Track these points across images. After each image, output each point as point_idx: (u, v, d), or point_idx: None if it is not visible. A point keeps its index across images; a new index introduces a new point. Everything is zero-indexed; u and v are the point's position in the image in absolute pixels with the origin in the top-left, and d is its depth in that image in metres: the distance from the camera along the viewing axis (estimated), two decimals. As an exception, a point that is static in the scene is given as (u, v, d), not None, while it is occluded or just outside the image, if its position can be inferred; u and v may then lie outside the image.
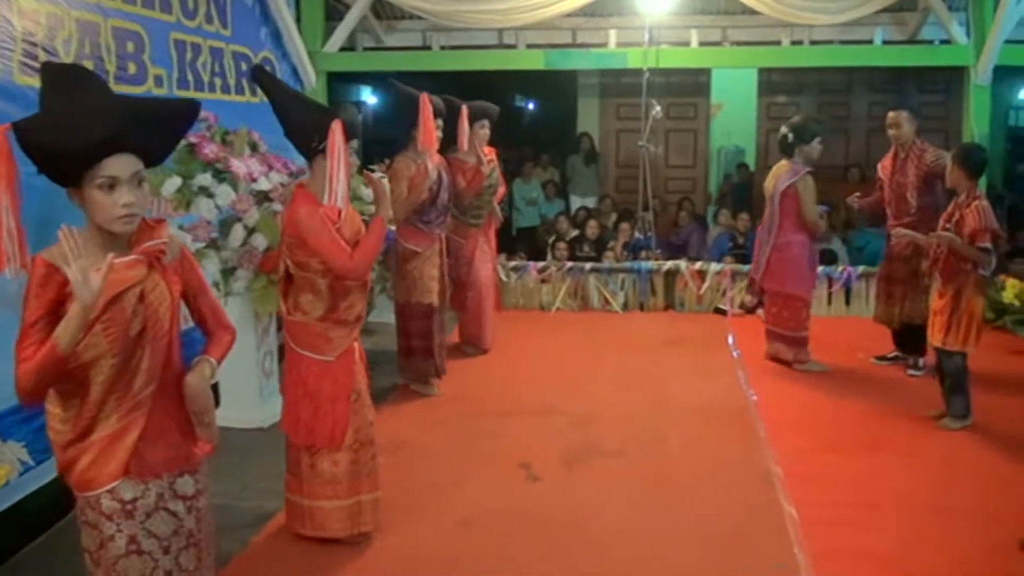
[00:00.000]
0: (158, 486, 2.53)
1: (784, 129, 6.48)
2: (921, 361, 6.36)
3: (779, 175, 6.45)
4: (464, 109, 6.16)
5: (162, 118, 2.50)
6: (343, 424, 3.74)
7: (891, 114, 6.30)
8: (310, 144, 3.59)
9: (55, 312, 2.29)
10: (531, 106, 18.24)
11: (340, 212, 3.62)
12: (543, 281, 8.54)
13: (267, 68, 4.31)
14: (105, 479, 2.44)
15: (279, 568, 3.76)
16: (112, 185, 2.31)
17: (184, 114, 2.56)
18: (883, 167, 6.41)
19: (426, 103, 5.48)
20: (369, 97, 15.46)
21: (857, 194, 6.77)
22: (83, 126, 2.27)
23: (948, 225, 5.09)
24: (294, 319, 3.72)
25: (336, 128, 3.46)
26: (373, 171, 5.76)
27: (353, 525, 3.83)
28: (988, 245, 4.95)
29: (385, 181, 6.14)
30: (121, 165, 2.32)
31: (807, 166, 6.38)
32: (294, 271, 3.68)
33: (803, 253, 6.43)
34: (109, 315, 2.35)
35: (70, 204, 2.38)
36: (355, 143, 3.75)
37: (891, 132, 6.29)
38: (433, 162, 5.71)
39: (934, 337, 5.25)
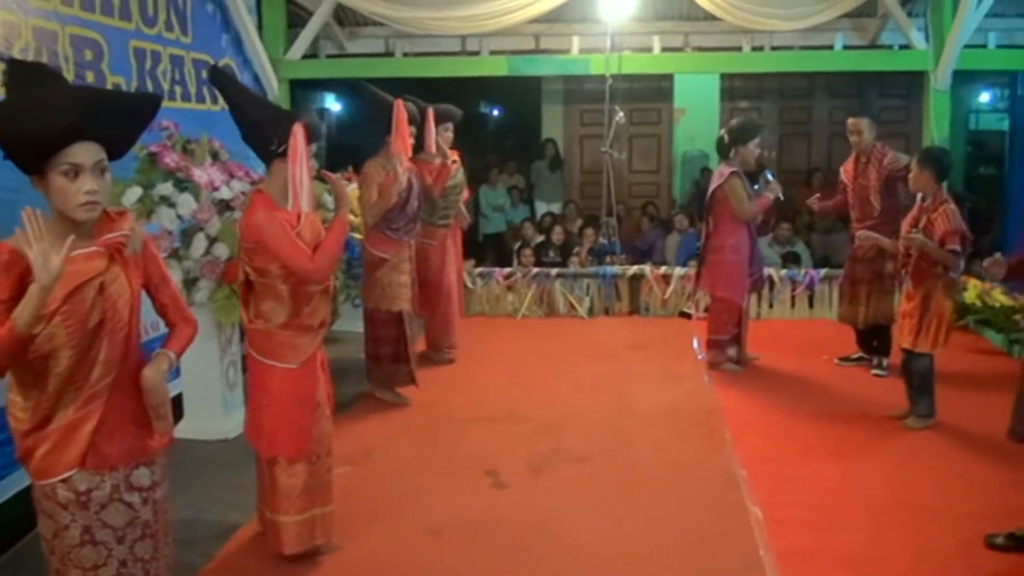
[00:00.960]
0: (114, 478, 2.56)
1: (722, 131, 6.55)
2: (885, 361, 6.44)
3: (713, 179, 6.54)
4: (430, 112, 6.16)
5: (125, 108, 2.55)
6: (307, 433, 3.68)
7: (851, 120, 6.37)
8: (268, 147, 3.54)
9: (18, 298, 2.32)
10: (496, 112, 18.24)
11: (299, 216, 3.58)
12: (509, 288, 8.54)
13: (223, 69, 4.32)
14: (61, 468, 2.48)
15: (243, 579, 3.73)
16: (75, 172, 2.36)
17: (146, 105, 2.62)
18: (845, 171, 6.49)
19: (401, 110, 5.48)
20: (333, 104, 15.39)
21: (817, 196, 6.84)
22: (48, 113, 2.32)
23: (915, 229, 5.13)
24: (256, 327, 3.66)
25: (298, 130, 3.45)
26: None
27: (306, 540, 3.77)
28: (958, 248, 5.00)
29: (354, 186, 6.14)
30: (85, 153, 2.37)
31: (743, 167, 6.42)
32: (254, 278, 3.63)
33: (737, 258, 6.47)
34: (68, 306, 2.39)
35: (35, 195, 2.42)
36: (314, 147, 3.73)
37: (852, 139, 6.37)
38: (403, 168, 5.68)
39: (903, 339, 5.31)
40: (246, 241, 3.58)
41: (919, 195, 5.22)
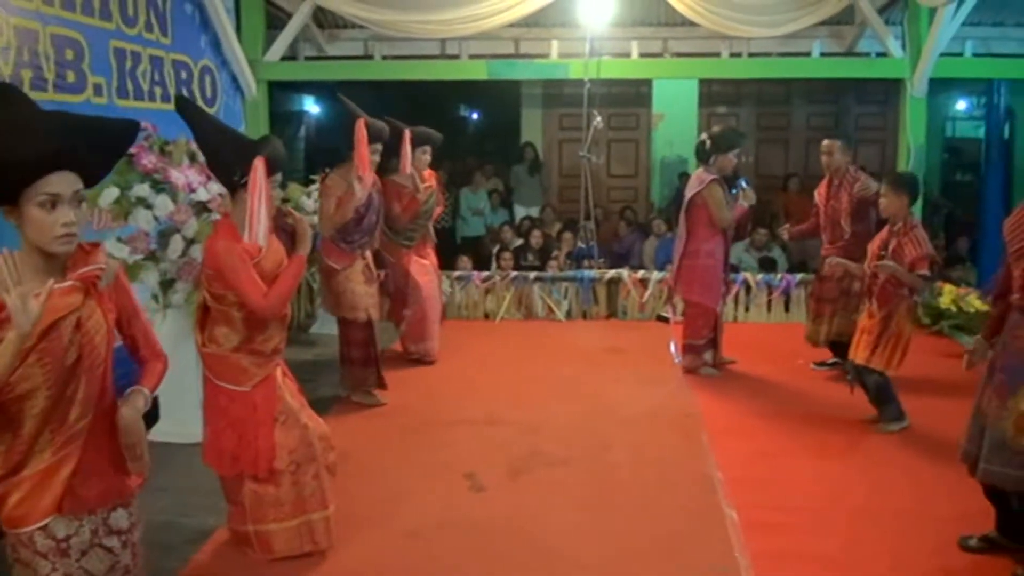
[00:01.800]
0: (92, 522, 2.48)
1: (703, 136, 6.57)
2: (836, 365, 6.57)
3: (691, 184, 6.56)
4: (407, 134, 6.18)
5: (104, 136, 2.45)
6: (268, 452, 3.65)
7: (825, 142, 6.42)
8: (232, 178, 3.55)
9: None
10: (476, 116, 18.26)
11: (260, 248, 3.58)
12: (487, 291, 8.55)
13: (189, 98, 4.27)
14: (38, 515, 2.38)
15: (220, 583, 3.72)
16: (53, 203, 2.25)
17: (125, 133, 2.52)
18: (819, 193, 6.54)
19: (361, 130, 5.48)
20: (312, 106, 15.37)
21: (787, 226, 6.97)
22: (25, 140, 2.22)
23: (883, 252, 5.19)
24: (208, 351, 3.64)
25: (258, 164, 3.46)
26: (313, 180, 5.74)
27: (303, 544, 3.77)
28: (927, 272, 5.09)
29: (316, 195, 6.14)
30: (63, 182, 2.26)
31: (720, 174, 6.45)
32: (211, 303, 3.60)
33: (712, 262, 6.51)
34: (45, 344, 2.28)
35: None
36: (279, 177, 3.71)
37: (824, 159, 6.42)
38: (364, 185, 5.66)
39: (858, 354, 5.35)
40: (206, 267, 3.58)
41: (889, 219, 5.28)
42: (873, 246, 5.34)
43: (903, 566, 3.81)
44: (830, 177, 6.43)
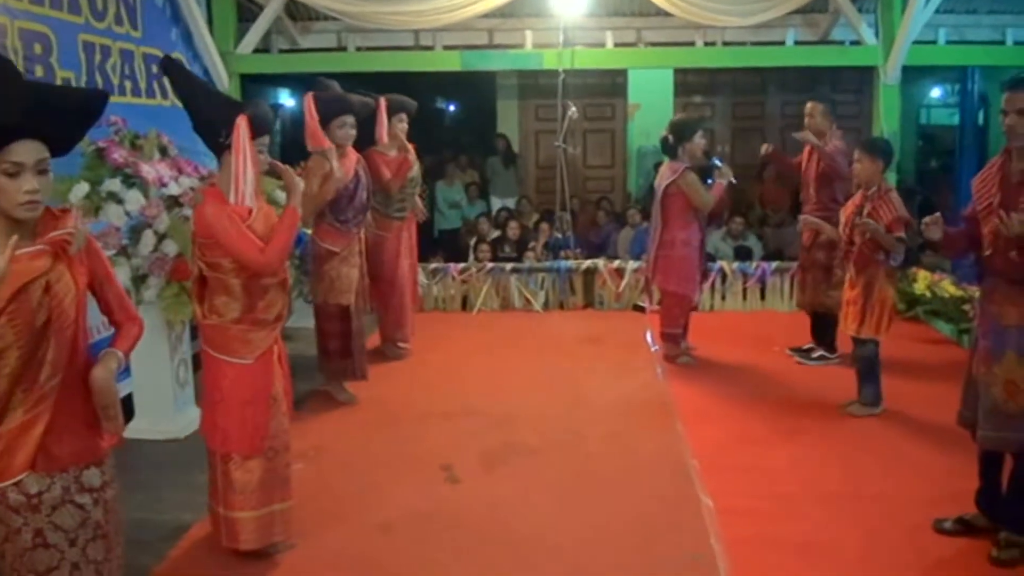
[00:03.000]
0: (64, 479, 2.52)
1: (664, 132, 6.62)
2: (816, 352, 6.62)
3: (663, 175, 6.58)
4: (381, 101, 6.13)
5: (71, 106, 2.49)
6: (262, 429, 3.64)
7: (808, 105, 6.52)
8: (217, 139, 3.52)
9: None
10: (452, 108, 18.20)
11: (250, 209, 3.56)
12: (464, 282, 8.55)
13: (175, 60, 4.26)
14: (12, 471, 2.44)
15: (195, 579, 3.70)
16: (16, 172, 2.32)
17: (93, 102, 2.56)
18: (802, 156, 6.63)
19: (309, 102, 5.43)
20: (287, 100, 15.25)
21: (767, 145, 7.06)
22: None
23: (858, 217, 5.20)
24: (209, 322, 3.61)
25: (240, 123, 3.43)
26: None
27: (263, 536, 3.75)
28: (903, 235, 5.12)
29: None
30: (27, 151, 2.33)
31: (693, 161, 6.49)
32: (207, 273, 3.59)
33: (688, 251, 6.53)
34: (14, 306, 2.36)
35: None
36: (266, 139, 3.66)
37: (806, 120, 6.52)
38: (349, 161, 5.63)
39: (848, 326, 5.39)
40: (198, 236, 3.55)
41: (863, 184, 5.31)
42: (847, 211, 5.36)
43: (877, 550, 3.84)
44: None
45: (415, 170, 6.69)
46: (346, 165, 5.65)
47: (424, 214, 7.13)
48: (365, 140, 6.04)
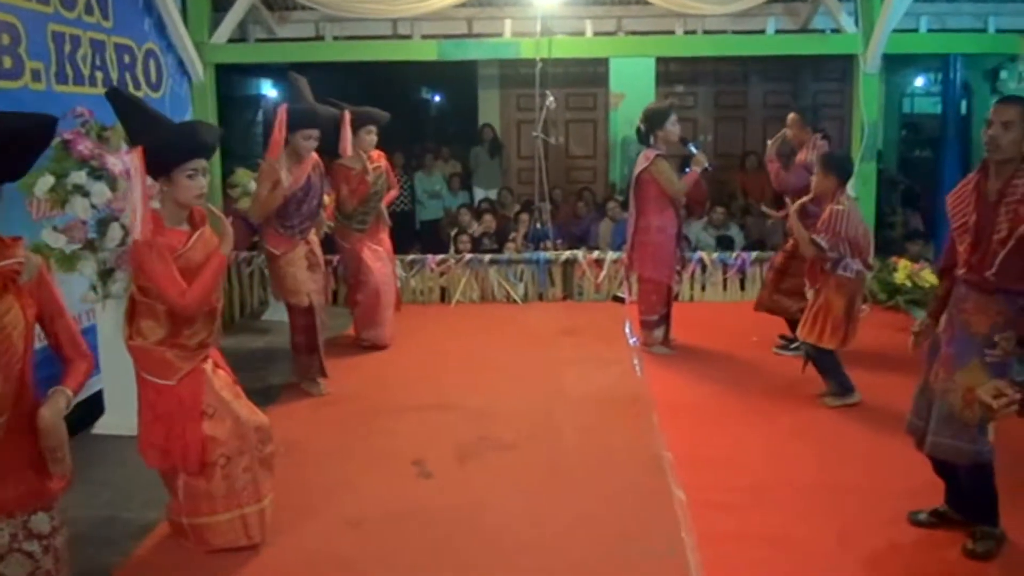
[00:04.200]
0: (11, 526, 2.43)
1: (637, 122, 6.64)
2: (795, 343, 6.55)
3: (638, 163, 6.61)
4: (346, 115, 6.10)
5: (18, 136, 2.37)
6: (196, 445, 3.58)
7: (789, 115, 6.57)
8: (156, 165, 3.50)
9: None
10: (436, 98, 18.11)
11: (189, 235, 3.52)
12: (442, 274, 8.49)
13: (120, 88, 4.15)
14: None
15: (159, 576, 3.65)
16: None
17: (42, 130, 2.45)
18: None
19: (281, 114, 5.42)
20: (270, 90, 15.14)
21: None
22: None
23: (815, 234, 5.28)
24: (134, 344, 3.57)
25: (135, 154, 3.39)
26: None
27: (238, 537, 3.72)
28: (822, 242, 5.17)
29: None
30: None
31: (669, 148, 6.53)
32: (137, 296, 3.55)
33: (663, 238, 6.55)
34: None
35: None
36: (199, 163, 3.54)
37: (786, 131, 6.59)
38: (304, 167, 5.64)
39: (803, 332, 5.45)
40: (131, 260, 3.54)
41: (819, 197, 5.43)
42: (791, 222, 5.50)
43: (851, 542, 3.82)
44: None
45: (379, 183, 6.66)
46: (300, 171, 5.65)
47: (388, 224, 7.05)
48: (332, 151, 6.02)
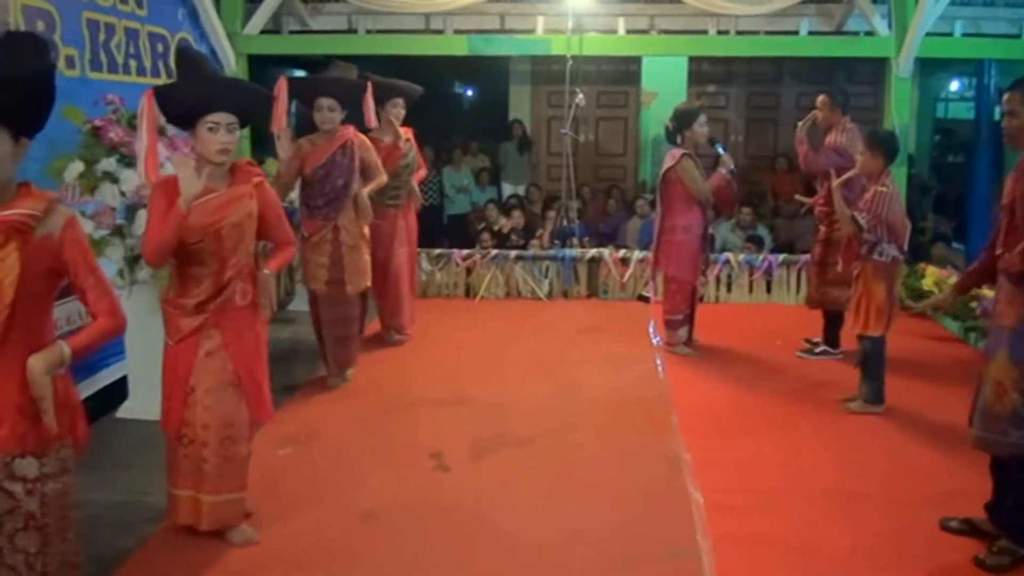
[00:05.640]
0: None
1: (666, 121, 6.64)
2: (820, 347, 6.59)
3: (665, 161, 6.60)
4: (368, 85, 5.94)
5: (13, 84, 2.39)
6: (177, 411, 3.63)
7: (820, 97, 6.47)
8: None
9: None
10: (468, 93, 18.12)
11: (208, 192, 3.47)
12: (468, 269, 8.51)
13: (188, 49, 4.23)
14: None
15: (174, 560, 3.67)
16: None
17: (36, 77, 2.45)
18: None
19: (281, 86, 5.38)
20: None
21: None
22: None
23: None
24: (164, 298, 3.72)
25: (145, 97, 3.48)
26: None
27: (188, 518, 3.73)
28: (861, 219, 5.08)
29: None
30: None
31: (696, 149, 6.50)
32: None
33: (688, 237, 6.52)
34: None
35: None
36: (220, 117, 3.47)
37: (816, 113, 6.50)
38: (328, 147, 5.58)
39: (850, 322, 5.40)
40: None
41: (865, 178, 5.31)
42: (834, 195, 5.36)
43: (862, 549, 3.78)
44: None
45: (409, 157, 6.61)
46: (322, 150, 5.59)
47: (420, 200, 7.03)
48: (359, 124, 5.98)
